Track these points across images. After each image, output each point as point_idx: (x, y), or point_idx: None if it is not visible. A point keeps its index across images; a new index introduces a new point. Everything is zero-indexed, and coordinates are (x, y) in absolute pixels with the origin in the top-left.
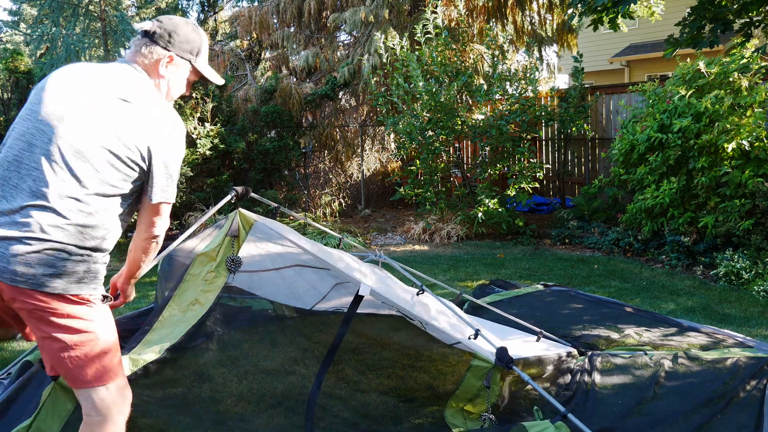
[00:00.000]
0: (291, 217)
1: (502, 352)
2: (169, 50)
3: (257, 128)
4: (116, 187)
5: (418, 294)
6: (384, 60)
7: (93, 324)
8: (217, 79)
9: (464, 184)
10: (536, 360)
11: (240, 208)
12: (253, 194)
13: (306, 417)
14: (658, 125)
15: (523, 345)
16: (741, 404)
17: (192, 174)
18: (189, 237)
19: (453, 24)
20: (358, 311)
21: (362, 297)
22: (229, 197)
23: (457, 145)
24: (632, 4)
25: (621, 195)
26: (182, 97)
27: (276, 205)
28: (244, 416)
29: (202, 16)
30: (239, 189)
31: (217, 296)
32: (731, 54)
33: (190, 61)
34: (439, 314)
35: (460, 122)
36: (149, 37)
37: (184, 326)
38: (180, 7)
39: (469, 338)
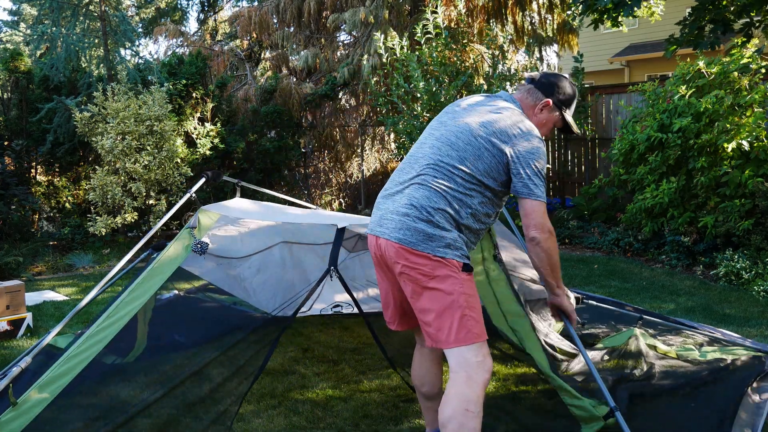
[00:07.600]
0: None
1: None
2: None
3: (257, 128)
4: None
5: None
6: (384, 60)
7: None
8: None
9: None
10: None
11: (202, 207)
12: (226, 178)
13: None
14: (658, 125)
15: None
16: (736, 403)
17: (192, 174)
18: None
19: (453, 24)
20: (366, 311)
21: (344, 228)
22: (201, 181)
23: None
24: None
25: (621, 195)
26: (182, 97)
27: (237, 180)
28: (244, 416)
29: (201, 16)
30: (209, 173)
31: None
32: (731, 54)
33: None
34: None
35: None
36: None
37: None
38: (180, 6)
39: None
